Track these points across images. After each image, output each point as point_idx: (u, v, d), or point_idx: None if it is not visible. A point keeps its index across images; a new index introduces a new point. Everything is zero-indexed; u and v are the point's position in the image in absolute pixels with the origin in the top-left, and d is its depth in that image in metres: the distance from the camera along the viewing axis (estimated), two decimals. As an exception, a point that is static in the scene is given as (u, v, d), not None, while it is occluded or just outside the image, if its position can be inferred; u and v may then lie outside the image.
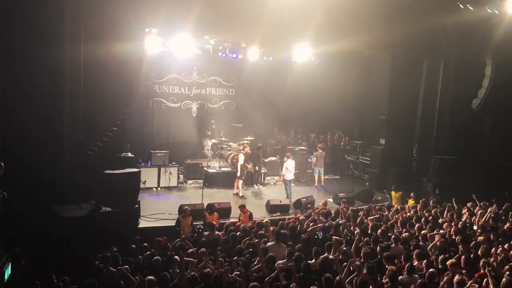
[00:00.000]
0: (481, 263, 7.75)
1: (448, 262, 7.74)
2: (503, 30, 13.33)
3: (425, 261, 7.92)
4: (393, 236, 9.45)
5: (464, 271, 7.47)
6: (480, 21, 12.75)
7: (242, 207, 11.84)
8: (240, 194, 14.93)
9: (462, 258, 7.90)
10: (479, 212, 11.61)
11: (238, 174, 14.97)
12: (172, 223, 11.42)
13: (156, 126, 18.13)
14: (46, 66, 10.92)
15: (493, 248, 8.68)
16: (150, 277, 6.91)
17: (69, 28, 11.27)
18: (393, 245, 9.13)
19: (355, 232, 10.11)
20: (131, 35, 12.92)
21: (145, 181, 14.51)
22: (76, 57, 11.45)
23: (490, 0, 11.95)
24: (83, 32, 11.53)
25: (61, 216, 10.55)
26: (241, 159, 14.98)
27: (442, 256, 8.24)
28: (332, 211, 11.78)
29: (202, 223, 11.25)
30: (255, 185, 16.20)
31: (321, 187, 16.68)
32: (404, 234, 9.78)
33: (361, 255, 8.17)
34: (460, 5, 11.96)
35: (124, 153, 13.71)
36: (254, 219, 11.51)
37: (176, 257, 7.79)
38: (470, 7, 12.02)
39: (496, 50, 14.83)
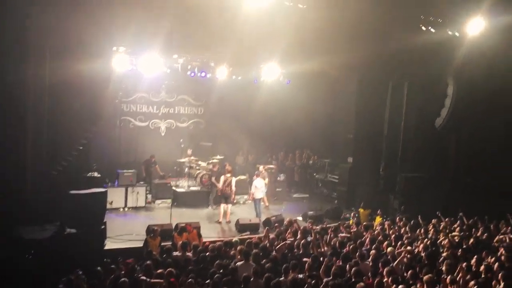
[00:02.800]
0: (447, 280, 7.88)
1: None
2: (464, 52, 13.82)
3: (390, 277, 7.98)
4: (358, 253, 9.51)
5: None
6: (441, 42, 13.19)
7: (188, 225, 11.70)
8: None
9: (425, 277, 8.02)
10: (443, 228, 11.86)
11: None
12: (140, 244, 11.20)
13: (124, 145, 17.90)
14: (8, 83, 10.59)
15: (459, 264, 8.85)
16: None
17: (33, 44, 11.01)
18: (360, 262, 9.19)
19: (323, 250, 10.17)
20: (99, 53, 12.78)
21: (111, 202, 14.24)
22: (40, 73, 11.17)
23: (451, 23, 12.40)
24: (48, 49, 11.32)
25: (23, 238, 10.18)
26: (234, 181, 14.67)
27: (409, 272, 8.36)
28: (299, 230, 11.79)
29: (171, 243, 11.08)
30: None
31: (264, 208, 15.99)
32: (372, 251, 9.84)
33: (331, 274, 8.19)
34: (422, 27, 12.37)
35: (90, 173, 13.44)
36: (222, 238, 11.41)
37: (143, 277, 7.64)
38: (431, 29, 12.44)
39: (457, 71, 15.34)
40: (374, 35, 12.74)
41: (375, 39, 12.99)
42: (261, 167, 16.75)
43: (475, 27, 12.12)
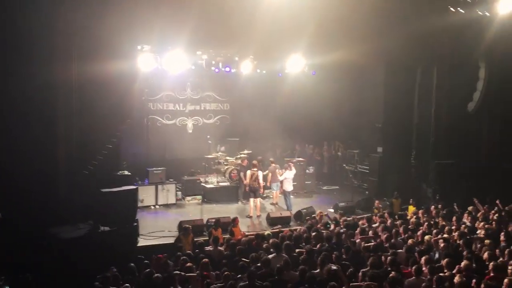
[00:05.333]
0: (491, 266, 7.61)
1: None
2: (494, 32, 13.36)
3: (428, 266, 7.76)
4: (393, 243, 9.33)
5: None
6: (471, 23, 12.79)
7: (236, 218, 11.80)
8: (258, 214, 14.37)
9: (463, 264, 7.76)
10: (481, 215, 11.52)
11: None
12: (172, 240, 11.25)
13: (152, 143, 17.97)
14: (38, 84, 10.78)
15: (497, 250, 8.57)
16: None
17: (61, 45, 11.20)
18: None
19: (356, 241, 10.00)
20: (124, 53, 12.84)
21: (142, 199, 14.35)
22: (68, 74, 11.36)
23: (480, 2, 11.99)
24: (75, 50, 11.46)
25: (59, 237, 10.36)
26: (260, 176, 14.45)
27: (446, 260, 8.12)
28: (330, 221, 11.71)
29: (207, 238, 11.07)
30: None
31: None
32: (409, 241, 9.63)
33: (368, 264, 8.05)
34: (451, 8, 11.98)
35: (120, 171, 13.56)
36: (253, 232, 11.37)
37: (177, 272, 7.65)
38: (460, 10, 12.05)
39: (488, 52, 14.86)
40: (401, 19, 12.46)
41: (402, 23, 12.69)
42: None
43: (506, 5, 11.68)
